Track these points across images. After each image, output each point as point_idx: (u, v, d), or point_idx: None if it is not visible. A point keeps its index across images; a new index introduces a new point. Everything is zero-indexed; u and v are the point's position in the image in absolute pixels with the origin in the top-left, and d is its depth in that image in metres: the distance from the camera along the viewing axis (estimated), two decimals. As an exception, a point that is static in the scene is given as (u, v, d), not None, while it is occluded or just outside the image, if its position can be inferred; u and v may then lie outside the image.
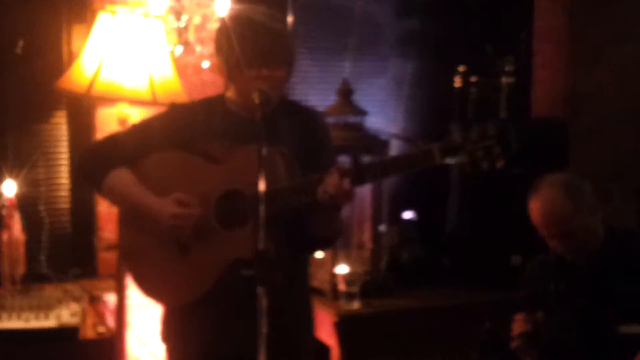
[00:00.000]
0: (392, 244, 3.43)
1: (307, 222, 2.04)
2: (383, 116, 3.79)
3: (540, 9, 3.95)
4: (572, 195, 2.46)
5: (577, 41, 3.87)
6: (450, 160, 1.87)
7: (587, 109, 3.86)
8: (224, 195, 2.03)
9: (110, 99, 2.86)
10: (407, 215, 3.56)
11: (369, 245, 3.27)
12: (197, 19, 3.11)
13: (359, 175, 1.92)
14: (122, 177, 2.10)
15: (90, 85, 2.67)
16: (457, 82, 3.79)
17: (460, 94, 3.78)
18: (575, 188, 2.49)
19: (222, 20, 2.06)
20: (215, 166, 2.05)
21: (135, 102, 2.78)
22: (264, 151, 1.77)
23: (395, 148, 3.50)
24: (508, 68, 3.72)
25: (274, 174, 1.92)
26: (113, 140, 2.19)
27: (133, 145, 2.11)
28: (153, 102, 2.74)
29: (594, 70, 3.87)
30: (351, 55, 3.76)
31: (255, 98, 1.93)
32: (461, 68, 3.76)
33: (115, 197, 2.17)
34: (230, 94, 2.13)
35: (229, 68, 2.04)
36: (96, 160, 2.14)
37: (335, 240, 2.19)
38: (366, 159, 3.11)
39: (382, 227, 3.32)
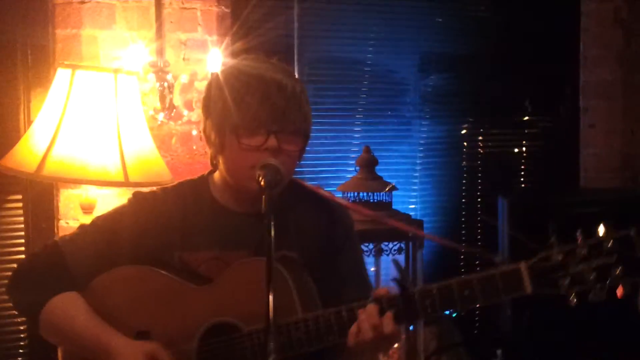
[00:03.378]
0: (430, 350, 3.07)
1: None
2: (409, 189, 3.56)
3: (589, 60, 3.71)
4: None
5: (632, 96, 3.63)
6: (546, 288, 1.47)
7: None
8: (211, 329, 1.63)
9: (67, 181, 2.44)
10: (447, 311, 3.04)
11: (398, 352, 2.92)
12: (184, 77, 2.73)
13: (409, 309, 1.48)
14: (68, 305, 1.66)
15: (41, 163, 2.24)
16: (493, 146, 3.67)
17: (495, 159, 3.68)
18: None
19: (217, 73, 1.68)
20: (199, 288, 1.66)
21: (103, 183, 2.29)
22: (268, 264, 1.35)
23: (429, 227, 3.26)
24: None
25: (282, 299, 1.49)
26: (55, 251, 1.72)
27: (84, 259, 1.69)
28: (125, 184, 2.31)
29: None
30: (367, 118, 3.49)
31: (260, 177, 1.51)
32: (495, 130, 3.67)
33: (58, 333, 1.70)
34: (218, 176, 1.73)
35: (220, 136, 1.64)
36: (31, 283, 1.69)
37: None
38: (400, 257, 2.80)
39: (417, 327, 2.94)
